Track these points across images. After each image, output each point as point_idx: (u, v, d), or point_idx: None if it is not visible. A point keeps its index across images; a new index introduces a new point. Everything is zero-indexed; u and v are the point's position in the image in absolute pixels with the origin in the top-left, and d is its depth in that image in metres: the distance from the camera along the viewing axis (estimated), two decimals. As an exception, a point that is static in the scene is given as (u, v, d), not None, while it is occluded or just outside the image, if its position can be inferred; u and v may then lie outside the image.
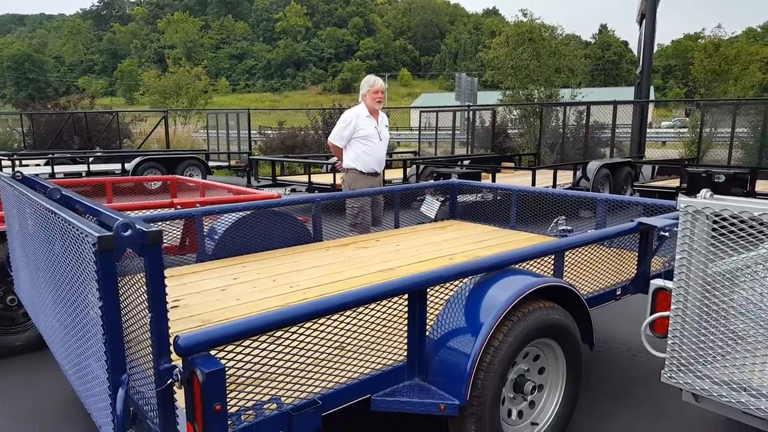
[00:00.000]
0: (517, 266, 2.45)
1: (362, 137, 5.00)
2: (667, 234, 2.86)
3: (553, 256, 2.68)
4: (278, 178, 9.99)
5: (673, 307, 2.16)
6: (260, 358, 1.76)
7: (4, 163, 10.69)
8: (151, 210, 4.23)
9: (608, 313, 4.42)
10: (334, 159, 5.26)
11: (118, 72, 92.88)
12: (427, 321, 2.17)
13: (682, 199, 2.14)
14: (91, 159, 12.90)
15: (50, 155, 12.06)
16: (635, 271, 3.17)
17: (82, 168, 12.40)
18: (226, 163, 15.25)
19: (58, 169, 11.58)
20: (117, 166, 12.65)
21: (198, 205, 4.32)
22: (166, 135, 16.88)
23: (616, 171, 9.02)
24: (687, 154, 15.64)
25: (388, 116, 5.47)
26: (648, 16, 12.54)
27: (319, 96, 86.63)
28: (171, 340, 1.57)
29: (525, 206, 4.67)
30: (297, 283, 3.19)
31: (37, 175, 3.21)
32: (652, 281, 2.49)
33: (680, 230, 2.14)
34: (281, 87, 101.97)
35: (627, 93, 35.63)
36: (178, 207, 4.25)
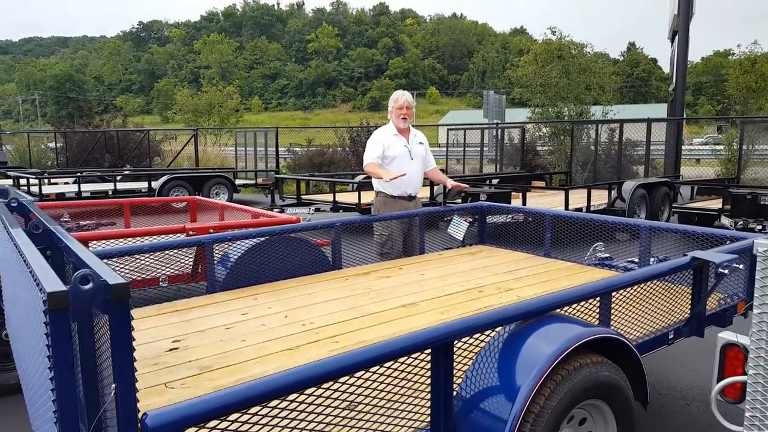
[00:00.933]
0: (558, 311, 2.12)
1: (390, 158, 4.54)
2: (726, 271, 2.49)
3: (598, 298, 2.34)
4: (303, 196, 9.79)
5: (751, 371, 1.79)
6: (250, 436, 1.48)
7: (31, 181, 10.75)
8: (162, 236, 4.02)
9: (654, 354, 4.02)
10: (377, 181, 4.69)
11: (154, 91, 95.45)
12: (455, 379, 1.85)
13: (760, 242, 1.78)
14: (119, 177, 12.96)
15: (78, 173, 12.13)
16: (688, 311, 2.80)
17: (109, 186, 12.45)
18: (253, 181, 15.19)
19: (85, 187, 11.62)
20: (144, 185, 12.67)
21: (211, 230, 4.11)
22: (195, 153, 16.96)
23: (653, 191, 8.55)
24: (723, 172, 14.99)
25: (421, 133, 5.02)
26: (681, 32, 12.09)
27: (349, 114, 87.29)
28: (139, 416, 1.30)
29: (560, 230, 4.32)
30: (310, 321, 2.91)
31: (63, 194, 3.03)
32: (720, 335, 2.12)
33: (759, 278, 1.78)
34: (312, 105, 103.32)
35: (658, 110, 34.78)
36: (191, 233, 4.04)
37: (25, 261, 1.56)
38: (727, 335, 2.10)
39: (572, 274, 3.75)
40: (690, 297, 2.78)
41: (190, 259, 4.02)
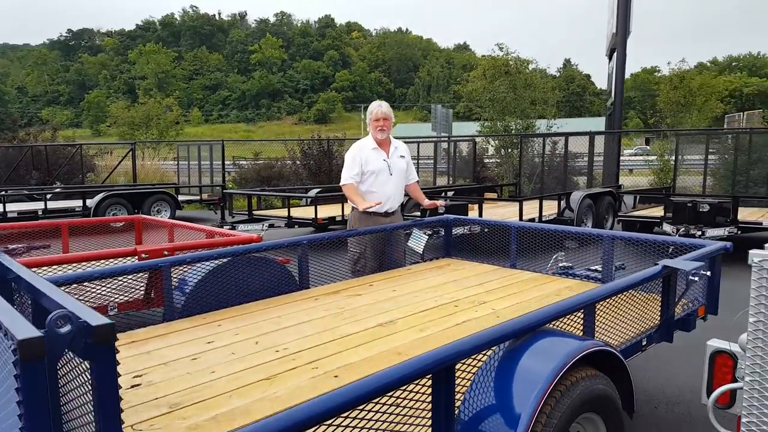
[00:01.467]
0: (549, 325, 2.07)
1: (368, 173, 4.34)
2: (696, 279, 2.54)
3: (582, 310, 2.32)
4: (254, 212, 9.52)
5: (747, 378, 1.80)
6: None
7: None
8: (112, 260, 3.75)
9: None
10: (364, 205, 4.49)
11: (85, 103, 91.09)
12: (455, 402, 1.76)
13: (756, 252, 1.79)
14: (49, 195, 12.15)
15: (2, 192, 11.29)
16: (658, 318, 2.83)
17: (39, 206, 11.64)
18: (198, 197, 14.69)
19: (11, 207, 10.82)
20: (78, 203, 11.92)
21: (166, 252, 3.87)
22: (133, 168, 16.27)
23: (598, 201, 8.84)
24: (657, 181, 15.74)
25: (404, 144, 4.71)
26: (618, 50, 12.66)
27: (295, 126, 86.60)
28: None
29: (523, 242, 4.34)
30: (284, 346, 2.75)
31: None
32: (709, 343, 2.14)
33: (755, 288, 1.79)
34: (256, 117, 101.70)
35: (594, 123, 36.30)
36: (143, 256, 3.79)
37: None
38: (716, 343, 2.12)
39: (540, 285, 3.76)
40: (660, 304, 2.81)
41: (143, 284, 3.77)
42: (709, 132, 11.56)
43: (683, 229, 6.82)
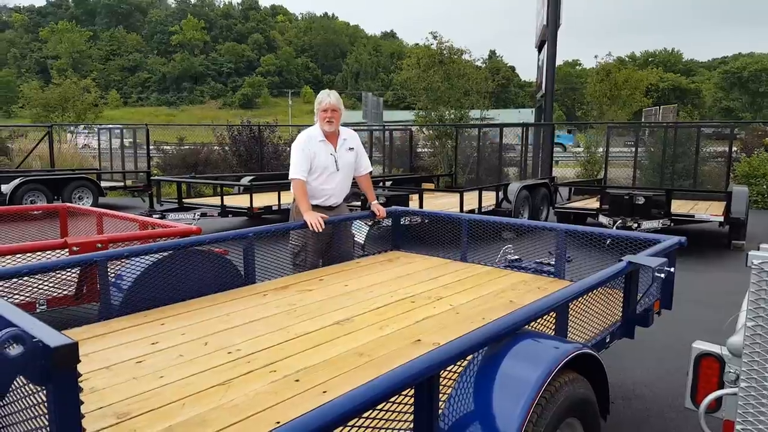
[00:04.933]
0: (526, 327, 2.02)
1: (313, 168, 4.14)
2: (662, 275, 2.58)
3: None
4: (185, 200, 9.07)
5: (743, 383, 1.80)
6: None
7: None
8: (39, 254, 3.42)
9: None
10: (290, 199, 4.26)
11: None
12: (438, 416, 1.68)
13: (755, 254, 1.77)
14: (-43, 182, 11.17)
15: None
16: (620, 314, 2.88)
17: (-55, 193, 10.69)
18: (122, 184, 13.89)
19: None
20: (-8, 188, 11.04)
21: (99, 244, 3.57)
22: (50, 153, 15.14)
23: (534, 192, 9.06)
24: (584, 173, 16.40)
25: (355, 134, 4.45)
26: (549, 42, 13.01)
27: (219, 111, 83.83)
28: None
29: (472, 234, 4.34)
30: (236, 347, 2.59)
31: None
32: (694, 345, 2.12)
33: (754, 291, 1.77)
34: (177, 101, 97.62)
35: (522, 115, 37.46)
36: (75, 249, 3.48)
37: None
38: (701, 345, 2.12)
39: (494, 279, 3.76)
40: (621, 300, 2.86)
41: (74, 279, 3.47)
42: (640, 125, 12.16)
43: (620, 221, 7.09)
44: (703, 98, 67.19)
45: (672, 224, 7.40)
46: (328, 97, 4.15)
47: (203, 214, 8.32)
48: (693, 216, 7.62)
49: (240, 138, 14.84)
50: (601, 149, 16.04)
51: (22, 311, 1.13)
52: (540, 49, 14.93)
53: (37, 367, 0.93)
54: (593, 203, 8.73)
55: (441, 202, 8.42)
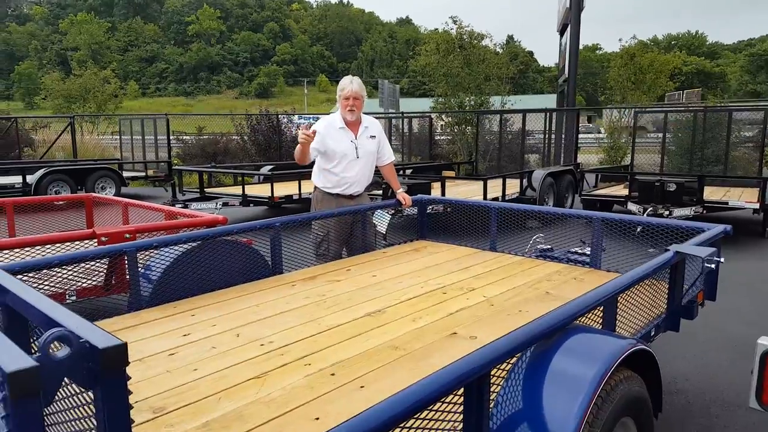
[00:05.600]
0: (577, 321, 1.93)
1: (333, 154, 4.02)
2: (712, 266, 2.47)
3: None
4: (206, 190, 9.09)
5: None
6: None
7: None
8: (67, 244, 3.40)
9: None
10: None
11: (15, 75, 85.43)
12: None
13: None
14: (-16, 172, 11.35)
15: (-69, 169, 10.46)
16: (664, 306, 2.77)
17: (-27, 182, 10.86)
18: (143, 174, 14.01)
19: (-58, 184, 10.03)
20: (17, 179, 11.20)
21: (127, 235, 3.55)
22: (73, 143, 15.32)
23: (559, 179, 8.89)
24: (607, 159, 16.10)
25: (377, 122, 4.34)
26: (572, 26, 12.72)
27: (236, 100, 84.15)
28: None
29: (501, 223, 4.24)
30: (268, 339, 2.54)
31: None
32: (760, 341, 1.99)
33: None
34: (195, 91, 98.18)
35: (542, 100, 36.91)
36: (103, 239, 3.46)
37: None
38: (767, 341, 2.01)
39: (526, 269, 3.67)
40: (666, 292, 2.75)
41: (103, 269, 3.45)
42: (668, 109, 11.86)
43: (651, 208, 6.90)
44: (728, 82, 65.60)
45: (704, 211, 7.20)
46: (350, 84, 4.02)
47: (225, 204, 8.32)
48: (727, 203, 7.40)
49: (259, 127, 14.82)
50: (625, 135, 15.78)
51: (67, 310, 1.08)
52: (562, 33, 14.62)
53: (84, 370, 0.88)
54: (621, 190, 8.54)
55: (463, 190, 8.31)
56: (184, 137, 19.65)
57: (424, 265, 3.77)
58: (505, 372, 1.72)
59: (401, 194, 4.36)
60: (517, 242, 4.24)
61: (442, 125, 15.41)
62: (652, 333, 2.60)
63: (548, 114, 11.08)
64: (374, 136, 4.21)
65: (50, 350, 0.85)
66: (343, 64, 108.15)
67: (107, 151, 20.25)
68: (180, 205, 7.84)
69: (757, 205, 7.23)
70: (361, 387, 2.07)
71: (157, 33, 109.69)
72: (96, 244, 3.50)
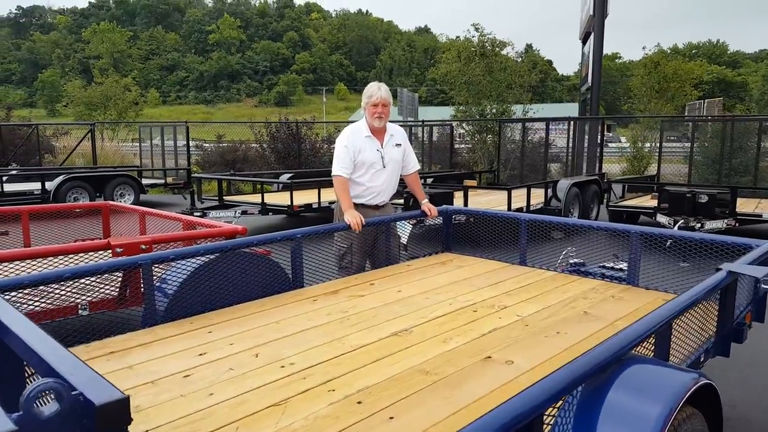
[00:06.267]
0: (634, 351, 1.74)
1: (359, 164, 3.89)
2: (767, 287, 2.26)
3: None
4: (225, 197, 9.00)
5: None
6: None
7: None
8: (82, 255, 3.28)
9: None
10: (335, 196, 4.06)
11: (38, 83, 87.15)
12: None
13: None
14: (5, 178, 11.38)
15: (-47, 175, 10.53)
16: (713, 330, 2.56)
17: (-6, 189, 10.90)
18: (162, 181, 14.00)
19: (-36, 190, 10.08)
20: (36, 186, 11.24)
21: (143, 246, 3.42)
22: (93, 150, 15.40)
23: (584, 189, 8.64)
24: (630, 169, 15.77)
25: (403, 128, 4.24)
26: (596, 34, 12.50)
27: (255, 108, 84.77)
28: None
29: (530, 235, 4.05)
30: (289, 360, 2.38)
31: None
32: None
33: None
34: (214, 99, 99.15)
35: (562, 109, 36.53)
36: (118, 251, 3.34)
37: None
38: None
39: (560, 286, 3.47)
40: (716, 314, 2.54)
41: (117, 282, 3.33)
42: (695, 118, 11.58)
43: (682, 220, 6.65)
44: (749, 91, 64.48)
45: (736, 224, 6.92)
46: (378, 91, 3.89)
47: (244, 212, 8.22)
48: (761, 215, 7.11)
49: (278, 135, 14.76)
50: (648, 144, 15.44)
51: (54, 341, 0.92)
52: (584, 41, 14.39)
53: (78, 429, 0.72)
54: (648, 201, 8.27)
55: (486, 200, 8.11)
56: (204, 145, 19.71)
57: (452, 279, 3.59)
58: (555, 409, 1.53)
59: (426, 204, 4.19)
60: (545, 255, 4.04)
61: (461, 133, 15.22)
62: (702, 359, 2.39)
63: (572, 122, 10.83)
64: (400, 144, 4.07)
65: (35, 406, 0.69)
66: (362, 72, 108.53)
67: (126, 158, 20.38)
68: (198, 213, 7.76)
69: (793, 219, 6.94)
70: (391, 418, 1.90)
71: (177, 42, 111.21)
72: (111, 255, 3.38)
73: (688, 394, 1.52)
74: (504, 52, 14.73)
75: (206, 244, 3.21)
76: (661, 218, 6.97)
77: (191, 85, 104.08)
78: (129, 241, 3.42)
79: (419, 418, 1.89)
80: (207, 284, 3.08)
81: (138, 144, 16.64)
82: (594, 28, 12.38)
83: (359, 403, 2.00)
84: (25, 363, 0.96)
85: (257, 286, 3.26)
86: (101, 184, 12.01)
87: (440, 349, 2.48)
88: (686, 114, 20.64)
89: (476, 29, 14.07)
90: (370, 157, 3.90)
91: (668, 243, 3.58)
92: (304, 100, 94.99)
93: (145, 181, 13.20)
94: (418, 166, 4.34)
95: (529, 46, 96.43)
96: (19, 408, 0.69)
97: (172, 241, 3.64)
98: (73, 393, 0.72)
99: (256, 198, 8.87)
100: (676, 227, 6.55)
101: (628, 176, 11.23)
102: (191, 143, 14.71)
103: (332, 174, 3.90)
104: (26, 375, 1.43)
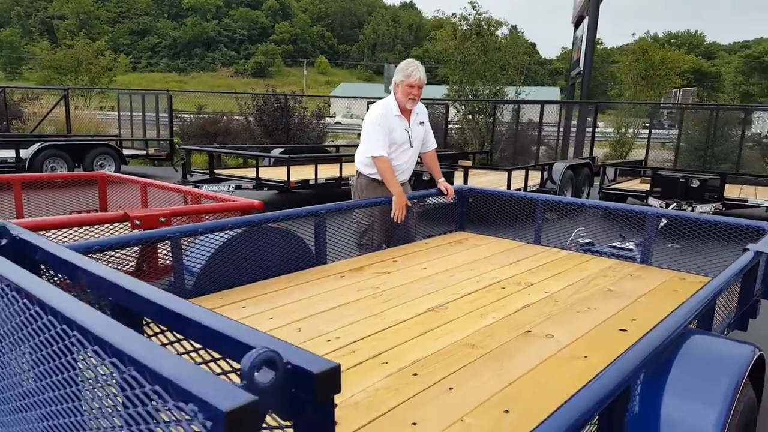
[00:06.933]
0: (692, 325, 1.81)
1: (390, 141, 3.81)
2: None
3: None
4: (216, 171, 8.86)
5: None
6: None
7: None
8: (97, 227, 3.21)
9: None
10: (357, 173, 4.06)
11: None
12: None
13: None
14: (-28, 144, 10.94)
15: None
16: (735, 306, 2.67)
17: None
18: (143, 152, 13.70)
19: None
20: (10, 153, 10.80)
21: (162, 218, 3.37)
22: (67, 117, 14.90)
23: (577, 172, 8.78)
24: (612, 154, 16.05)
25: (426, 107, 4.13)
26: (590, 17, 12.53)
27: (231, 79, 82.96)
28: None
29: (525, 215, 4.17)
30: (334, 335, 2.40)
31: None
32: None
33: None
34: (188, 67, 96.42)
35: (547, 93, 36.82)
36: (137, 222, 3.28)
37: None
38: None
39: (578, 264, 3.55)
40: (738, 291, 2.64)
41: (134, 256, 3.28)
42: (684, 106, 11.82)
43: (675, 204, 6.84)
44: (722, 82, 65.85)
45: (723, 209, 7.17)
46: (418, 72, 3.76)
47: (238, 186, 8.11)
48: (746, 200, 7.36)
49: (266, 108, 14.50)
50: (631, 130, 15.72)
51: (240, 323, 0.92)
52: (577, 24, 14.45)
53: (288, 399, 0.72)
54: (637, 185, 8.46)
55: (484, 180, 8.17)
56: (182, 115, 19.24)
57: (473, 257, 3.64)
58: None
59: (443, 183, 4.21)
60: (555, 235, 4.13)
61: (453, 113, 15.20)
62: (725, 332, 2.50)
63: (564, 106, 10.93)
64: (423, 123, 4.07)
65: (258, 378, 0.69)
66: (344, 46, 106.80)
67: (102, 127, 19.78)
68: (190, 187, 7.62)
69: (777, 204, 7.20)
70: (450, 389, 1.94)
71: (149, 5, 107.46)
72: (129, 227, 3.32)
73: (751, 364, 1.60)
74: (498, 33, 14.71)
75: (233, 218, 3.18)
76: (653, 201, 7.15)
77: (163, 52, 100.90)
78: (148, 213, 3.36)
79: (476, 389, 1.94)
80: (233, 259, 3.06)
81: (116, 113, 16.13)
82: (588, 12, 12.41)
83: (415, 375, 2.04)
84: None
85: (283, 262, 3.26)
86: (80, 154, 11.67)
87: (479, 324, 2.53)
88: (662, 102, 21.06)
89: (473, 7, 13.97)
90: (400, 136, 3.87)
91: (662, 223, 3.71)
92: (283, 71, 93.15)
93: (125, 152, 12.89)
94: (435, 145, 4.33)
95: (513, 28, 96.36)
96: (242, 378, 0.70)
97: (191, 214, 3.59)
98: (288, 366, 0.73)
99: (249, 172, 8.76)
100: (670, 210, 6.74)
101: (616, 161, 11.41)
102: (165, 113, 14.29)
103: (372, 155, 3.81)
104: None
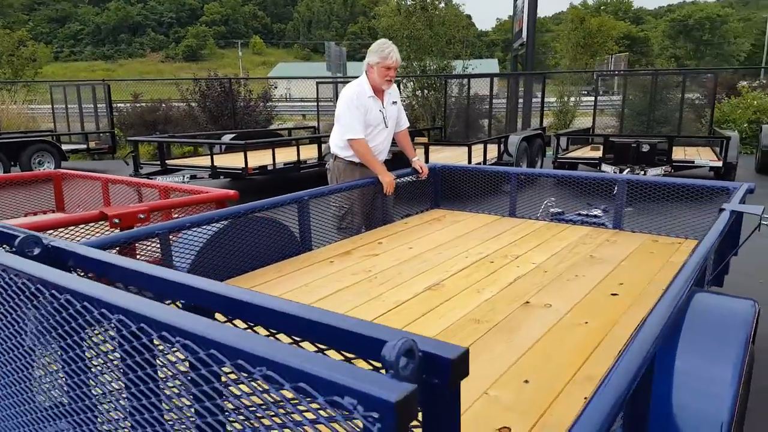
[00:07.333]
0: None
1: (366, 122, 3.86)
2: (767, 224, 2.55)
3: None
4: (167, 162, 8.57)
5: None
6: None
7: None
8: (72, 229, 3.08)
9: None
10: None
11: None
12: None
13: None
14: None
15: None
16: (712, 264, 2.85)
17: None
18: (84, 146, 13.07)
19: None
20: (-64, 153, 10.13)
21: (141, 215, 3.27)
22: (-6, 113, 14.02)
23: (531, 143, 9.00)
24: (556, 123, 16.52)
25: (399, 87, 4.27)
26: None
27: (162, 64, 79.90)
28: None
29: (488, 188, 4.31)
30: (341, 320, 2.41)
31: None
32: None
33: None
34: (115, 55, 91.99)
35: (488, 66, 37.22)
36: (115, 221, 3.17)
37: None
38: None
39: (557, 234, 3.69)
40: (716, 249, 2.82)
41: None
42: (627, 72, 12.22)
43: (628, 169, 7.13)
44: (651, 46, 68.43)
45: (672, 171, 7.53)
46: (394, 53, 3.77)
47: (193, 176, 7.89)
48: (693, 162, 7.76)
49: (209, 93, 14.08)
50: (573, 99, 16.20)
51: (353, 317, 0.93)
52: (516, -6, 14.59)
53: (421, 386, 0.75)
54: (588, 152, 8.77)
55: (443, 156, 8.26)
56: (118, 105, 18.39)
57: (455, 234, 3.71)
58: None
59: (418, 162, 4.25)
60: (525, 207, 4.26)
61: (404, 90, 15.19)
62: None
63: (512, 78, 11.12)
64: (395, 102, 4.07)
65: (401, 365, 0.72)
66: (279, 25, 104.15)
67: (33, 123, 18.71)
68: (157, 180, 7.36)
69: (719, 164, 7.63)
70: (469, 365, 2.00)
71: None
72: (108, 226, 3.21)
73: (757, 317, 1.73)
74: (441, 5, 14.71)
75: (218, 210, 3.12)
76: (606, 167, 7.44)
77: (87, 39, 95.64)
78: (125, 211, 3.25)
79: (491, 362, 2.01)
80: (221, 252, 3.01)
81: (50, 106, 15.25)
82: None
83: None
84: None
85: (270, 251, 3.23)
86: (15, 152, 11.04)
87: (478, 299, 2.60)
88: (596, 68, 21.77)
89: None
90: (375, 117, 3.88)
91: (615, 190, 3.90)
92: (216, 54, 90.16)
93: (64, 147, 12.26)
94: (408, 123, 4.36)
95: (449, 1, 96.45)
96: (388, 368, 0.72)
97: (168, 208, 3.50)
98: (420, 353, 0.75)
99: (201, 161, 8.53)
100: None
101: (568, 130, 11.75)
102: (101, 104, 13.66)
103: (351, 137, 3.80)
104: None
